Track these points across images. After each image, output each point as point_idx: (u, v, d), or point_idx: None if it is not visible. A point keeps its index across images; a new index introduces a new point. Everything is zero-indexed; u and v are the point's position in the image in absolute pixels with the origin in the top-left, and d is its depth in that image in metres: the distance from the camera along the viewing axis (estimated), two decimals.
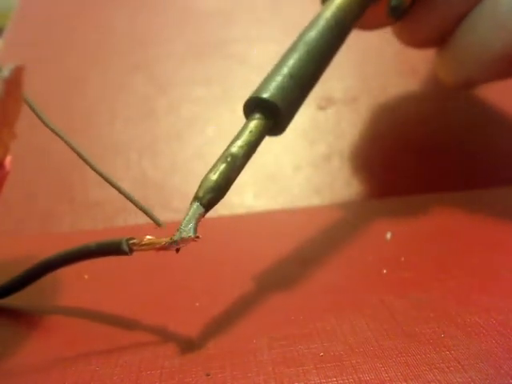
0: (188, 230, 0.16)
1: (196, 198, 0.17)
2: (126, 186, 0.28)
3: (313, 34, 0.20)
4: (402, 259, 0.21)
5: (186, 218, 0.16)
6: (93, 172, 0.17)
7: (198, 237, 0.16)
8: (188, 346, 0.17)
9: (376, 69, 0.34)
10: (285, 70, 0.19)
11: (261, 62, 0.34)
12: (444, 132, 0.26)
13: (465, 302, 0.18)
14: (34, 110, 0.16)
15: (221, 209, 0.25)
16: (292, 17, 0.36)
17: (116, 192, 0.17)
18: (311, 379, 0.15)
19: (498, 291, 0.18)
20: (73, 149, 0.17)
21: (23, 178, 0.28)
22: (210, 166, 0.17)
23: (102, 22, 0.38)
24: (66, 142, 0.17)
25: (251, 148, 0.18)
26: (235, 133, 0.18)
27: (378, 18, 0.24)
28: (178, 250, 0.16)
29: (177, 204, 0.27)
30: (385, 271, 0.20)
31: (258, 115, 0.18)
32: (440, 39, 0.25)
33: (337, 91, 0.33)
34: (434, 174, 0.27)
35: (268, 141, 0.20)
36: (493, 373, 0.14)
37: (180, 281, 0.20)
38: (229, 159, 0.17)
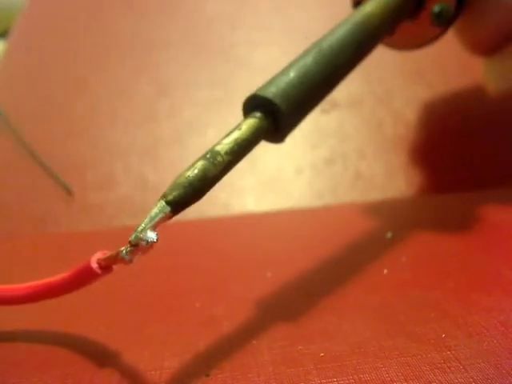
0: (144, 231, 0.14)
1: (162, 196, 0.14)
2: (126, 189, 0.28)
3: (333, 38, 0.19)
4: (403, 259, 0.21)
5: (146, 219, 0.14)
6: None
7: (154, 241, 0.13)
8: (188, 346, 0.16)
9: (380, 72, 0.34)
10: (293, 72, 0.17)
11: (264, 65, 0.34)
12: (443, 136, 0.26)
13: (466, 301, 0.17)
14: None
15: (220, 212, 0.25)
16: (296, 21, 0.36)
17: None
18: (311, 379, 0.15)
19: (498, 291, 0.18)
20: None
21: (21, 180, 0.28)
22: None
23: (105, 25, 0.38)
24: None
25: (238, 146, 0.16)
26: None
27: (422, 33, 0.23)
28: (130, 261, 0.14)
29: None
30: (386, 271, 0.20)
31: (256, 114, 0.17)
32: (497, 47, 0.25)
33: (341, 94, 0.32)
34: (432, 175, 0.27)
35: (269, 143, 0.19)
36: (494, 373, 0.14)
37: (180, 282, 0.20)
38: (208, 155, 0.15)
